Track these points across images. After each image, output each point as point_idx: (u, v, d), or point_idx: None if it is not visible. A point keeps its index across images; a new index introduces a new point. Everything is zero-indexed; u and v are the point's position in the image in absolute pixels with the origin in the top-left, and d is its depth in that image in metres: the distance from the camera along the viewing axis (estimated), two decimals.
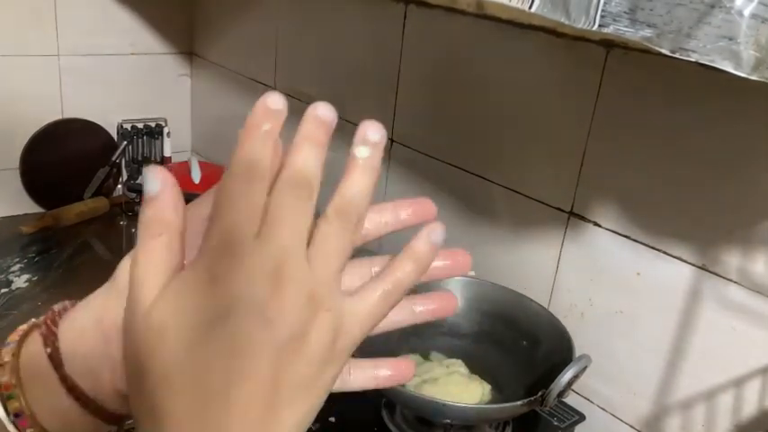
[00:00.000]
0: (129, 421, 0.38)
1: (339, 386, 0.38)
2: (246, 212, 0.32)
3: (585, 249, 0.94)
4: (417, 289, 0.41)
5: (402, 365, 0.41)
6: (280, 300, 0.32)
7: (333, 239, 0.34)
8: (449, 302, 0.42)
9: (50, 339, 0.37)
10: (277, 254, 0.32)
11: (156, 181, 0.34)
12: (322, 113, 0.35)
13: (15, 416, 0.36)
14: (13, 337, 0.38)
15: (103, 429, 0.38)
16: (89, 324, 0.36)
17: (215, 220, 0.32)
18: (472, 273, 0.43)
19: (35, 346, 0.37)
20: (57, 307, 0.38)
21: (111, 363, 0.36)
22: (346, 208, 0.34)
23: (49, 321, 0.37)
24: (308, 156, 0.34)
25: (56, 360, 0.36)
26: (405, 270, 0.36)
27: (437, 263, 0.40)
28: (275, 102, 0.34)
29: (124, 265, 0.37)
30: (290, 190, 0.33)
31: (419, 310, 0.41)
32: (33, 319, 0.39)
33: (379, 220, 0.40)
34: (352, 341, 0.35)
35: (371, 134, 0.35)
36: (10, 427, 0.36)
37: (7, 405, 0.36)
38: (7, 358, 0.37)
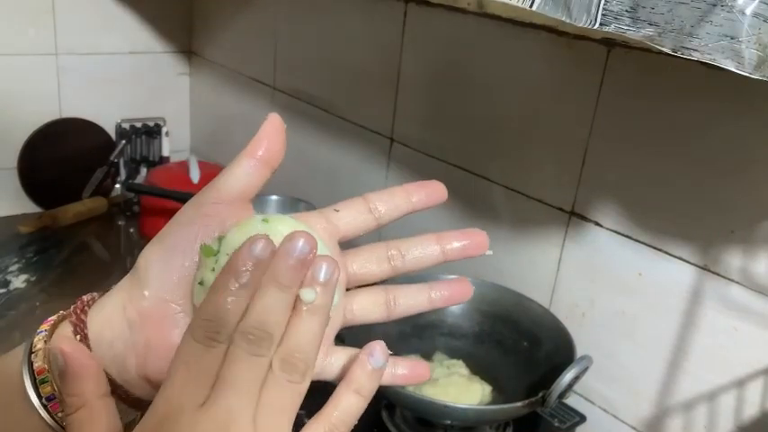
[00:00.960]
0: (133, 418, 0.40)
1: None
2: (197, 380, 0.33)
3: (586, 249, 0.94)
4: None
5: (418, 367, 0.42)
6: None
7: (279, 395, 0.34)
8: (464, 288, 0.43)
9: (79, 327, 0.38)
10: (222, 419, 0.32)
11: (59, 357, 0.35)
12: (300, 248, 0.34)
13: (47, 399, 0.37)
14: (45, 326, 0.40)
15: (128, 415, 0.40)
16: (114, 312, 0.38)
17: (165, 386, 0.33)
18: (490, 252, 0.43)
19: (65, 333, 0.39)
20: (86, 297, 0.40)
21: (135, 349, 0.37)
22: (292, 359, 0.34)
23: (78, 310, 0.39)
24: (271, 303, 0.34)
25: (84, 347, 0.38)
26: (346, 403, 0.36)
27: (455, 244, 0.41)
28: (261, 249, 0.34)
29: (146, 256, 0.38)
30: (245, 345, 0.33)
31: (435, 296, 0.42)
32: (62, 312, 0.40)
33: (391, 206, 0.41)
34: None
35: (319, 273, 0.34)
36: (41, 410, 0.37)
37: (40, 389, 0.37)
38: (40, 345, 0.38)
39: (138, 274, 0.38)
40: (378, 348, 0.37)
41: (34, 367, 0.38)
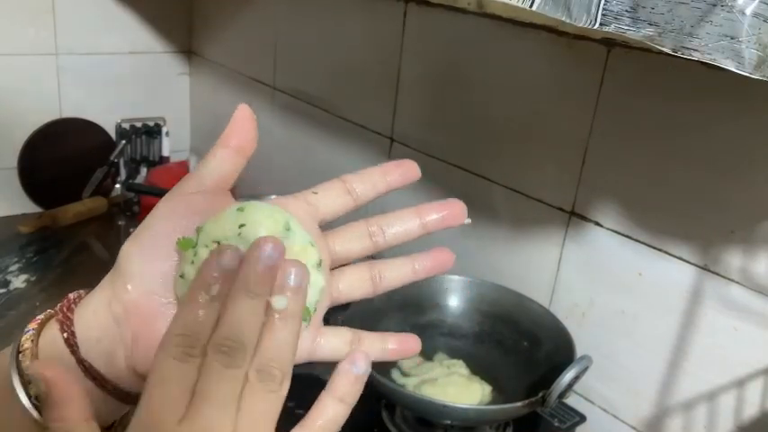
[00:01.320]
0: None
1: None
2: (175, 397, 0.33)
3: (587, 249, 0.94)
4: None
5: (409, 340, 0.43)
6: None
7: (258, 405, 0.34)
8: (445, 257, 0.44)
9: (66, 325, 0.38)
10: None
11: (41, 384, 0.35)
12: (268, 255, 0.34)
13: (36, 399, 0.37)
14: (32, 325, 0.40)
15: (120, 410, 0.40)
16: (100, 308, 0.38)
17: (143, 403, 0.33)
18: (468, 220, 0.44)
19: (52, 331, 0.39)
20: (72, 295, 0.40)
21: (123, 342, 0.38)
22: (268, 369, 0.34)
23: (65, 308, 0.39)
24: (243, 312, 0.34)
25: (72, 344, 0.38)
26: (330, 410, 0.37)
27: (433, 216, 0.43)
28: (229, 259, 0.34)
29: (125, 250, 0.38)
30: (219, 357, 0.33)
31: (418, 267, 0.43)
32: (50, 310, 0.40)
33: (369, 186, 0.42)
34: None
35: (288, 279, 0.35)
36: (32, 411, 0.37)
37: (29, 389, 0.37)
38: (27, 345, 0.38)
39: (119, 269, 0.38)
40: (359, 357, 0.38)
41: (22, 367, 0.38)
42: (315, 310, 0.39)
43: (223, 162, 0.40)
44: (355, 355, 0.38)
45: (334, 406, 0.37)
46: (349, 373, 0.37)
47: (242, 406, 0.33)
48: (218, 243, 0.37)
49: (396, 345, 0.42)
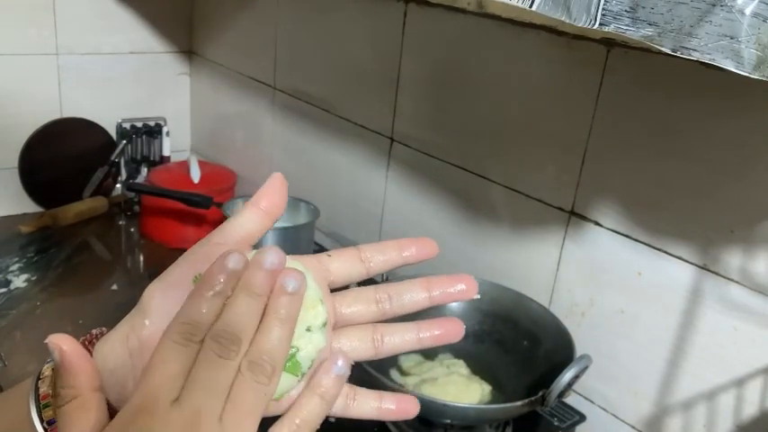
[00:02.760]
0: None
1: (341, 412, 0.42)
2: (172, 377, 0.35)
3: (586, 249, 0.94)
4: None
5: (406, 402, 0.43)
6: None
7: (246, 395, 0.36)
8: (454, 328, 0.45)
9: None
10: (190, 417, 0.35)
11: (56, 353, 0.37)
12: (269, 263, 0.37)
13: (48, 423, 0.39)
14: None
15: None
16: (118, 342, 0.40)
17: (142, 379, 0.36)
18: (478, 296, 0.45)
19: None
20: (95, 331, 0.42)
21: (134, 373, 0.39)
22: (259, 361, 0.36)
23: (86, 342, 0.41)
24: (242, 309, 0.37)
25: None
26: (310, 406, 0.39)
27: (443, 290, 0.44)
28: (235, 262, 0.37)
29: (149, 289, 0.41)
30: (215, 346, 0.36)
31: (423, 336, 0.44)
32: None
33: (382, 258, 0.44)
34: None
35: (288, 283, 0.37)
36: (35, 418, 0.40)
37: (42, 413, 0.40)
38: (48, 372, 0.41)
39: (141, 306, 0.40)
40: (342, 358, 0.40)
41: (39, 392, 0.40)
42: (310, 366, 0.40)
43: (250, 220, 0.43)
44: (338, 356, 0.40)
45: (314, 402, 0.39)
46: (330, 372, 0.39)
47: (231, 396, 0.36)
48: None
49: (393, 405, 0.43)
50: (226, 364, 0.35)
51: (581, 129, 0.91)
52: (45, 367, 0.41)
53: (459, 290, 0.44)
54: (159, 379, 0.36)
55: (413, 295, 0.44)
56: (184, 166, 1.51)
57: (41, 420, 0.39)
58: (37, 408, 0.40)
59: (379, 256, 0.44)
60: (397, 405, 0.43)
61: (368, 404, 0.43)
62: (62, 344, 0.37)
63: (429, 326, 0.44)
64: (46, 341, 0.38)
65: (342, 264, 0.44)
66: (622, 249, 0.90)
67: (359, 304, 0.44)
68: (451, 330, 0.44)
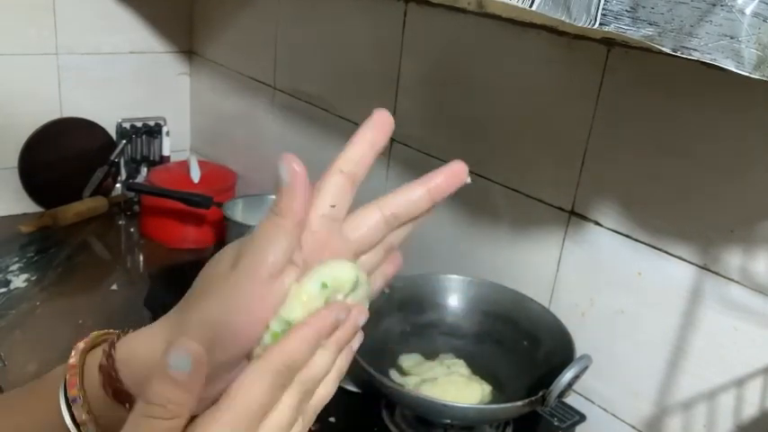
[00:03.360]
0: None
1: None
2: (259, 410, 0.36)
3: (586, 249, 0.94)
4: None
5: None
6: None
7: (285, 413, 0.37)
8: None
9: (111, 346, 0.42)
10: None
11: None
12: (363, 321, 0.39)
13: (73, 400, 0.41)
14: (81, 343, 0.44)
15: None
16: (144, 339, 0.42)
17: (231, 404, 0.35)
18: (469, 180, 0.43)
19: (97, 355, 0.43)
20: (121, 331, 0.44)
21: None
22: (312, 416, 0.39)
23: (114, 339, 0.43)
24: (326, 359, 0.38)
25: (111, 368, 0.41)
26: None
27: (437, 180, 0.43)
28: (345, 315, 0.38)
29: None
30: (299, 396, 0.37)
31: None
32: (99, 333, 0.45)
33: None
34: None
35: (354, 344, 0.40)
36: (73, 429, 0.42)
37: (72, 408, 0.42)
38: (73, 360, 0.43)
39: (178, 310, 0.41)
40: (357, 336, 0.40)
41: (66, 380, 0.42)
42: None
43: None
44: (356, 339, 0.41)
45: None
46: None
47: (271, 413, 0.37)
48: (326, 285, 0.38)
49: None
50: (297, 414, 0.37)
51: (581, 129, 0.91)
52: (71, 360, 0.42)
53: (451, 170, 0.43)
54: (248, 407, 0.35)
55: (413, 198, 0.43)
56: (184, 165, 1.51)
57: (73, 418, 0.41)
58: (66, 401, 0.41)
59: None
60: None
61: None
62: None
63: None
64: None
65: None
66: (622, 249, 0.90)
67: (372, 235, 0.43)
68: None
